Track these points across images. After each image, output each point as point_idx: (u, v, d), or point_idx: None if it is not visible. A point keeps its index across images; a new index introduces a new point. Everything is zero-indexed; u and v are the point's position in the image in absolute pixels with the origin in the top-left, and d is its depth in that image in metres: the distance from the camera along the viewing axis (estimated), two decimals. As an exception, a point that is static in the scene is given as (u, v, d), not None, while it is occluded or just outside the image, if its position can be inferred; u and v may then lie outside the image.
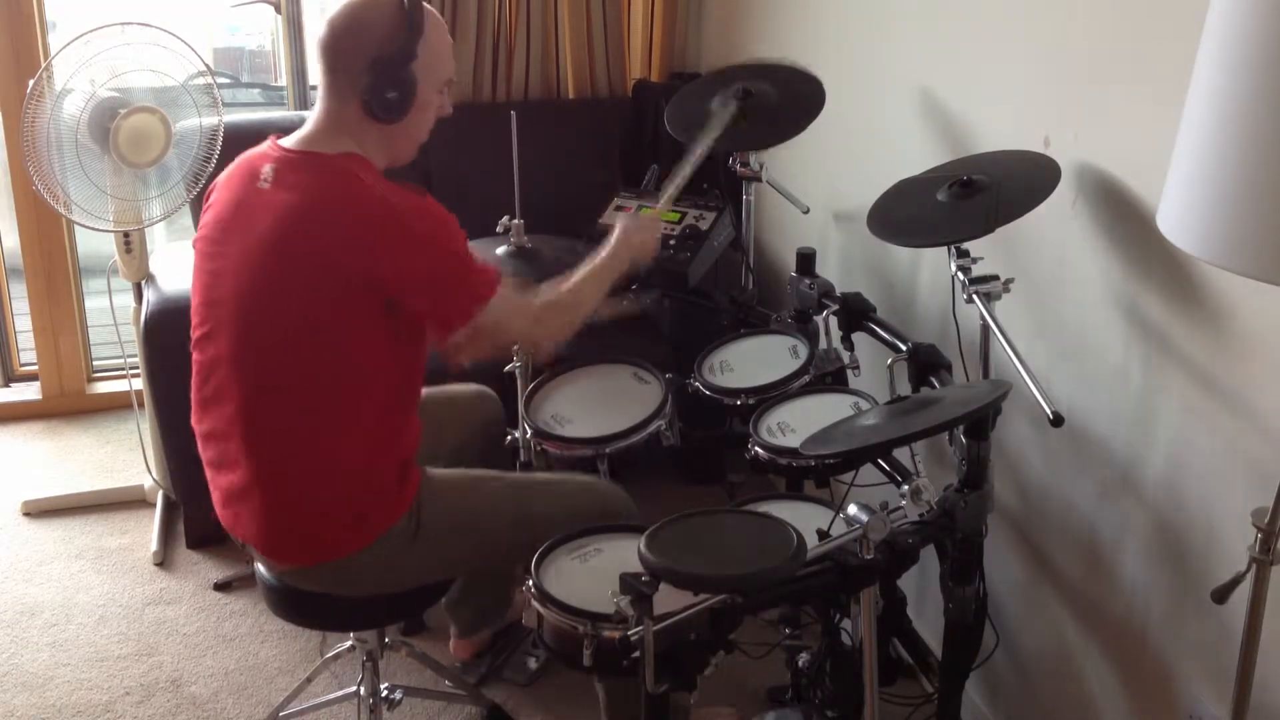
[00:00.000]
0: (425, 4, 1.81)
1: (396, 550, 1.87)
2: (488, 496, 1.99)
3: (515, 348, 2.25)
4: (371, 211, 1.74)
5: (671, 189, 2.20)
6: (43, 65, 2.67)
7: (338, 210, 1.75)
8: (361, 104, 1.79)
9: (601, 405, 2.26)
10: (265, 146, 1.85)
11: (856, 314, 2.22)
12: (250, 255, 1.78)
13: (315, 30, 1.84)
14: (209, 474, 1.91)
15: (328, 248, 1.73)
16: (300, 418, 1.80)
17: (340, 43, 1.78)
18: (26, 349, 3.72)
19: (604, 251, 2.02)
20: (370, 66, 1.77)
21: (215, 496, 1.92)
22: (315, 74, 1.87)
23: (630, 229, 2.07)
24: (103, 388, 3.68)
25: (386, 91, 1.77)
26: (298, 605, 1.97)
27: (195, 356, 1.88)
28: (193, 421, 1.91)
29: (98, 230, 2.74)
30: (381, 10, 1.77)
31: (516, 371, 2.40)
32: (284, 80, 3.77)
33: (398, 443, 1.88)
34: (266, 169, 1.80)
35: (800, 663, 2.08)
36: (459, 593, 2.38)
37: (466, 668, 2.45)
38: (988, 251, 1.85)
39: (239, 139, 2.71)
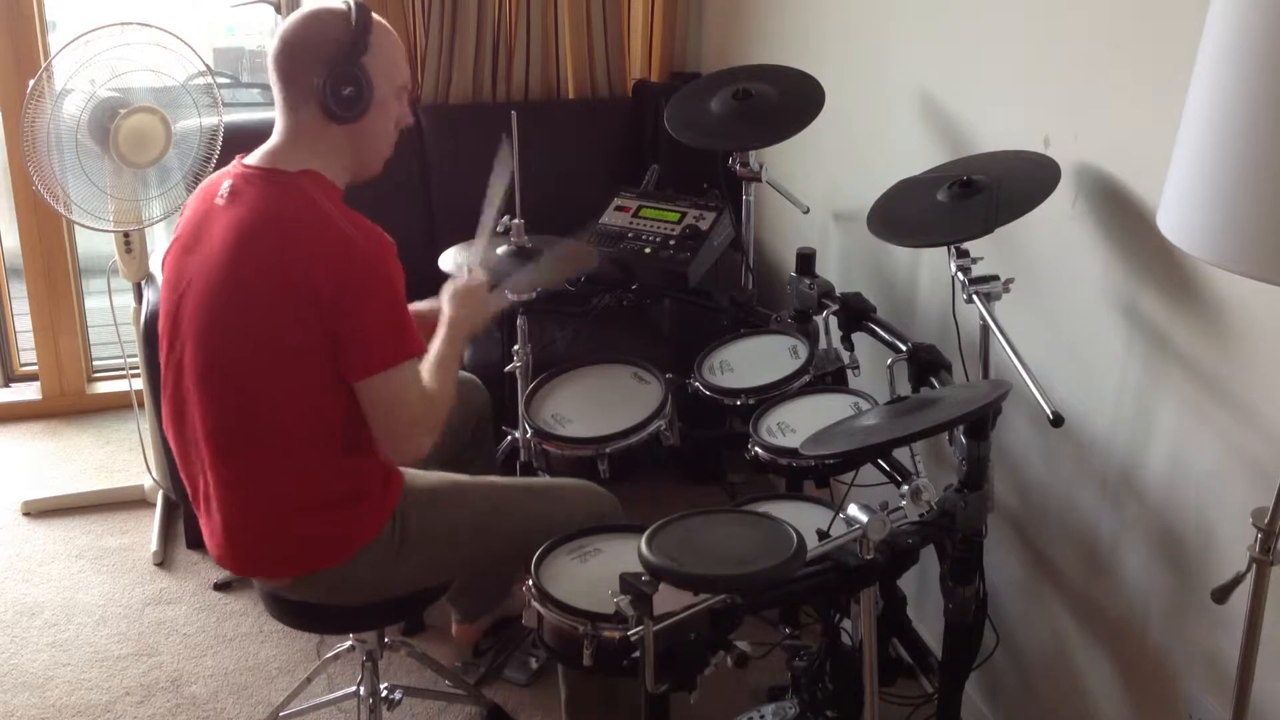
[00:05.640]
0: (371, 12, 1.83)
1: (384, 560, 1.87)
2: (473, 503, 1.99)
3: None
4: (319, 229, 1.72)
5: (485, 234, 2.11)
6: (43, 65, 2.67)
7: (285, 225, 1.74)
8: (319, 105, 1.77)
9: (601, 405, 2.26)
10: (231, 165, 1.85)
11: (856, 314, 2.22)
12: (206, 273, 1.77)
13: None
14: (188, 490, 1.92)
15: (275, 262, 1.72)
16: (265, 434, 1.79)
17: (292, 50, 1.79)
18: (26, 349, 3.72)
19: (439, 340, 1.95)
20: (323, 67, 1.76)
21: (196, 512, 1.92)
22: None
23: (457, 313, 1.99)
24: (103, 388, 3.69)
25: (342, 88, 1.77)
26: (296, 609, 1.98)
27: (162, 374, 1.87)
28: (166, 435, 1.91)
29: (98, 230, 2.74)
30: (329, 18, 1.80)
31: (517, 372, 2.40)
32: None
33: (374, 453, 1.85)
34: (224, 186, 1.80)
35: (800, 663, 2.08)
36: (457, 584, 2.37)
37: (466, 667, 2.45)
38: (988, 251, 1.85)
39: (239, 139, 2.72)
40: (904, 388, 1.97)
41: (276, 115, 1.83)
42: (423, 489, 1.94)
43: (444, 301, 2.02)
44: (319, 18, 1.80)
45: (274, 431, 1.78)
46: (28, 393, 3.67)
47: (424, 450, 1.82)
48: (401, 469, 1.93)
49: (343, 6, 1.80)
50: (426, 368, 1.88)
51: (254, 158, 1.83)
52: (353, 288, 1.71)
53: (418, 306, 1.99)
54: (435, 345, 1.94)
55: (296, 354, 1.73)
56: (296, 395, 1.76)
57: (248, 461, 1.81)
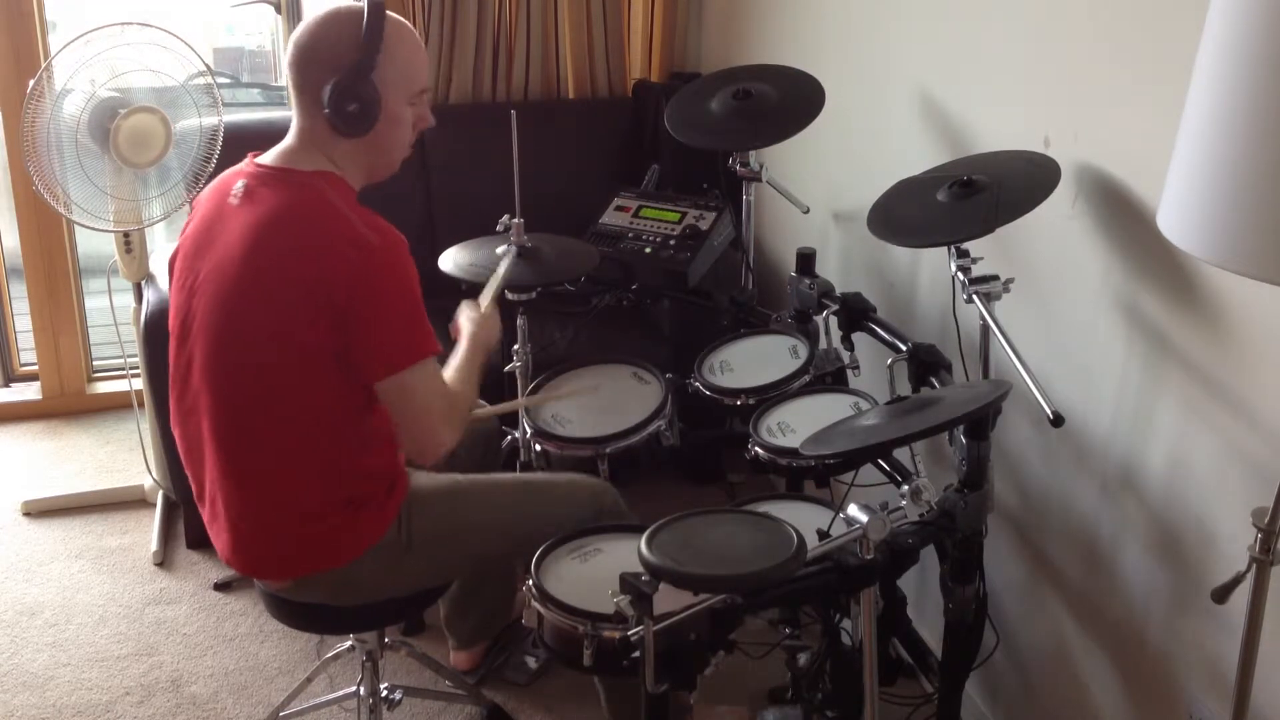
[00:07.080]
0: (392, 15, 1.78)
1: (389, 561, 1.87)
2: (476, 502, 1.99)
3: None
4: (334, 230, 1.71)
5: (489, 295, 2.12)
6: (43, 65, 2.67)
7: (301, 225, 1.73)
8: (326, 120, 1.76)
9: (601, 405, 2.26)
10: (242, 164, 1.84)
11: (856, 314, 2.22)
12: (220, 272, 1.76)
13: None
14: (193, 488, 1.92)
15: (290, 263, 1.71)
16: (274, 434, 1.78)
17: (303, 59, 1.77)
18: (26, 349, 3.72)
19: (463, 348, 1.97)
20: (330, 81, 1.73)
21: (201, 512, 1.92)
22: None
23: (477, 332, 2.00)
24: (103, 388, 3.68)
25: (347, 105, 1.74)
26: (296, 610, 1.97)
27: (171, 373, 1.87)
28: (174, 434, 1.91)
29: (98, 230, 2.74)
30: (342, 25, 1.75)
31: (516, 372, 2.40)
32: (284, 80, 3.77)
33: (382, 455, 1.86)
34: (238, 186, 1.79)
35: (800, 663, 2.08)
36: (457, 606, 2.38)
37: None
38: (988, 251, 1.85)
39: (239, 139, 2.72)
40: (904, 388, 1.97)
41: (292, 116, 1.83)
42: (427, 490, 1.94)
43: (463, 320, 2.04)
44: (330, 23, 1.76)
45: (282, 432, 1.78)
46: (28, 393, 3.67)
47: (448, 447, 1.81)
48: (407, 470, 1.93)
49: (356, 10, 1.75)
50: (450, 368, 1.89)
51: (268, 157, 1.82)
52: (369, 289, 1.70)
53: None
54: (460, 350, 1.96)
55: (308, 355, 1.73)
56: (306, 396, 1.76)
57: (255, 462, 1.80)
